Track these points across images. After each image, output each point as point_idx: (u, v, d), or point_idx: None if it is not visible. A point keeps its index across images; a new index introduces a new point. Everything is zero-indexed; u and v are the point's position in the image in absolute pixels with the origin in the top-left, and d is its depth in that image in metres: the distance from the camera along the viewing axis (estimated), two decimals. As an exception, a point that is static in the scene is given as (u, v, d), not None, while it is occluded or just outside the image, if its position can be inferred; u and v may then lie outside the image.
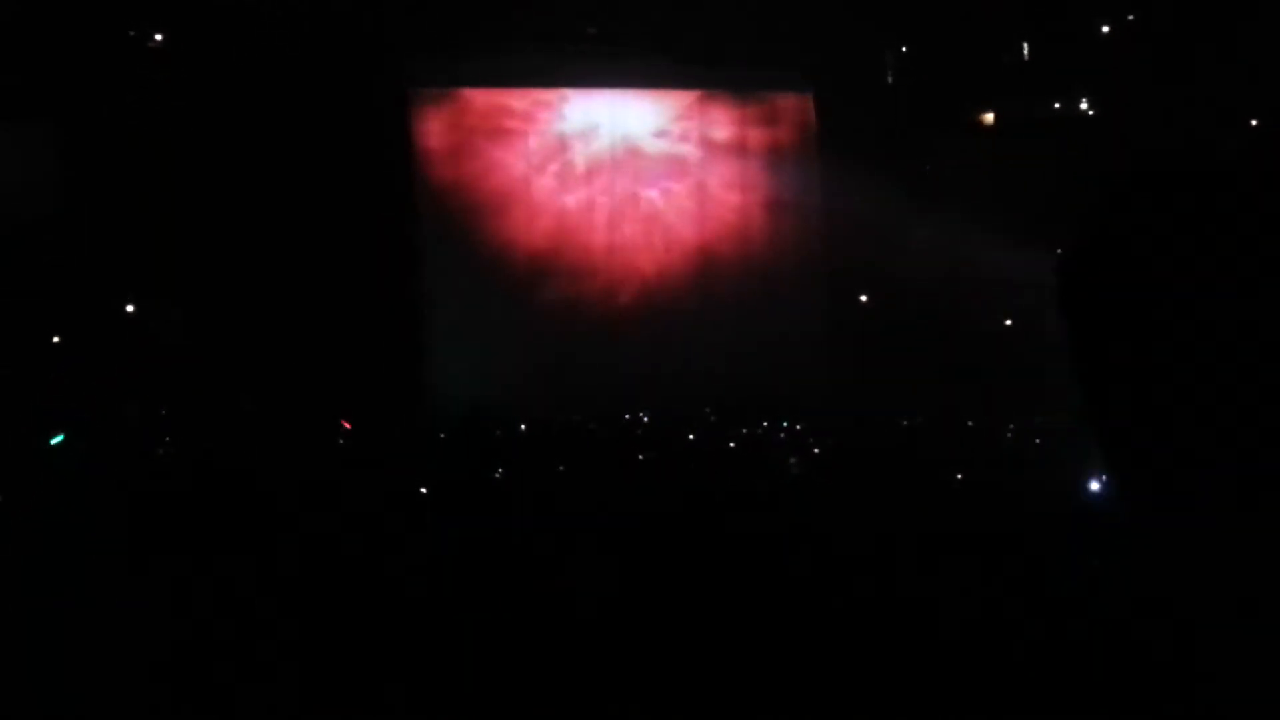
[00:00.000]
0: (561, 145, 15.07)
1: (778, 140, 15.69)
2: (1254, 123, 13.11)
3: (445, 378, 13.46)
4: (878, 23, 14.53)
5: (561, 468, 8.80)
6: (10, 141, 11.97)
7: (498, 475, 8.50)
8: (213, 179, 12.28)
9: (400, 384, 12.72)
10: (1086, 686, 1.10)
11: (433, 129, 14.55)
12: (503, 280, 14.43)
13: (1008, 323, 13.78)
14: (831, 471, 8.85)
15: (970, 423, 11.65)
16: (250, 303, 12.30)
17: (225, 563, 4.07)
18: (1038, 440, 9.96)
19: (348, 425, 11.13)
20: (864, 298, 15.26)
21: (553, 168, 15.02)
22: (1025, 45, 15.21)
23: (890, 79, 15.67)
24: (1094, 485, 6.17)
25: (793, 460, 9.53)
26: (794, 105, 15.79)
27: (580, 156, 15.10)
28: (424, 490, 7.09)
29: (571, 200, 15.05)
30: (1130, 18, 14.31)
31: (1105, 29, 14.48)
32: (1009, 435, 10.87)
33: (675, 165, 15.40)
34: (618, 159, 15.18)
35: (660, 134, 15.33)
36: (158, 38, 12.91)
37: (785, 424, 12.39)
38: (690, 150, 15.45)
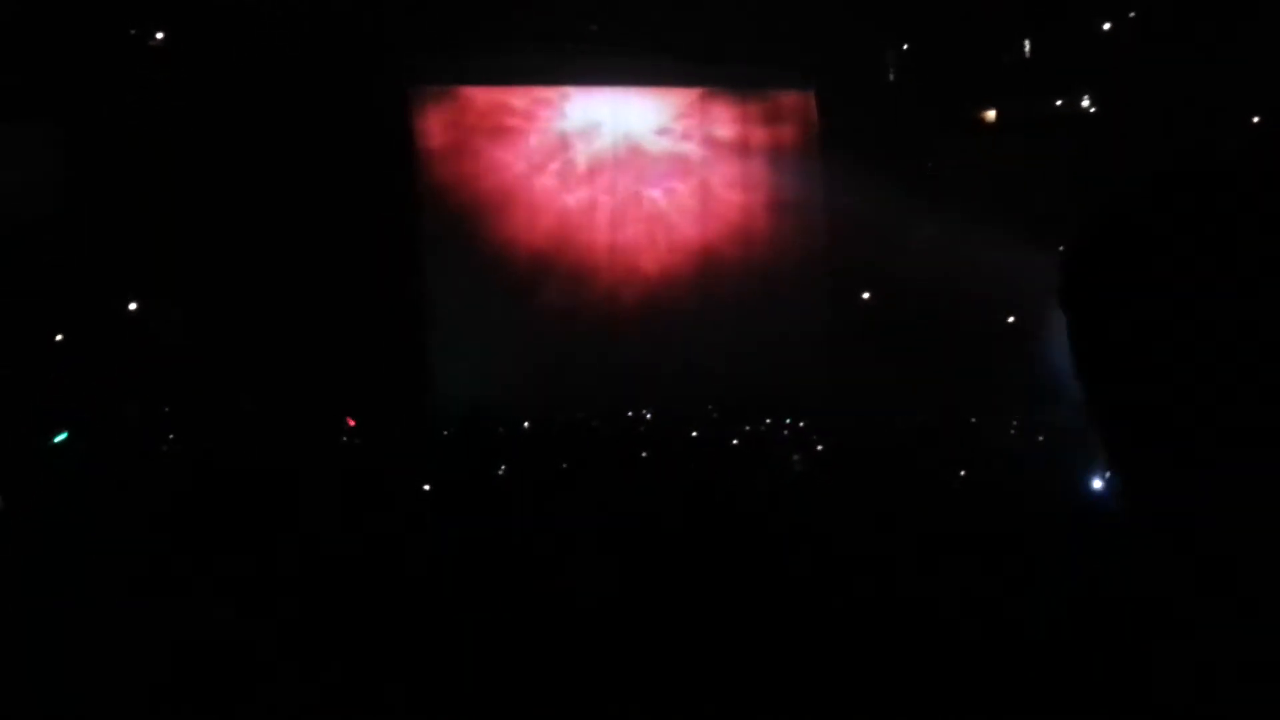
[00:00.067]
0: (563, 143, 15.06)
1: (779, 138, 15.68)
2: (1255, 120, 13.10)
3: (447, 376, 13.47)
4: (879, 20, 14.52)
5: (564, 465, 8.80)
6: (11, 141, 11.97)
7: (500, 473, 8.50)
8: (214, 178, 12.28)
9: (402, 382, 12.73)
10: (1086, 686, 1.10)
11: (434, 127, 14.55)
12: (505, 278, 14.43)
13: (1010, 320, 13.77)
14: (834, 469, 8.85)
15: (973, 420, 11.65)
16: (252, 302, 12.30)
17: (226, 562, 4.07)
18: (1040, 439, 9.96)
19: (352, 422, 11.14)
20: (866, 295, 15.25)
21: (554, 166, 15.02)
22: (1027, 43, 15.19)
23: (892, 77, 15.66)
24: (1095, 484, 6.17)
25: (795, 458, 9.52)
26: (796, 103, 15.78)
27: (581, 155, 15.09)
28: (426, 488, 7.10)
29: (573, 198, 15.05)
30: (1132, 15, 14.29)
31: (1107, 26, 14.46)
32: (1011, 433, 10.86)
33: (677, 163, 15.39)
34: (619, 157, 15.18)
35: (662, 132, 15.33)
36: (159, 36, 12.90)
37: (788, 421, 12.39)
38: (692, 148, 15.45)
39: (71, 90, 11.95)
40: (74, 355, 11.57)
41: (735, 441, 10.99)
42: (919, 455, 8.92)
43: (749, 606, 3.90)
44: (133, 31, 12.79)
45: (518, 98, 14.90)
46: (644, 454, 9.64)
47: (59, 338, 11.89)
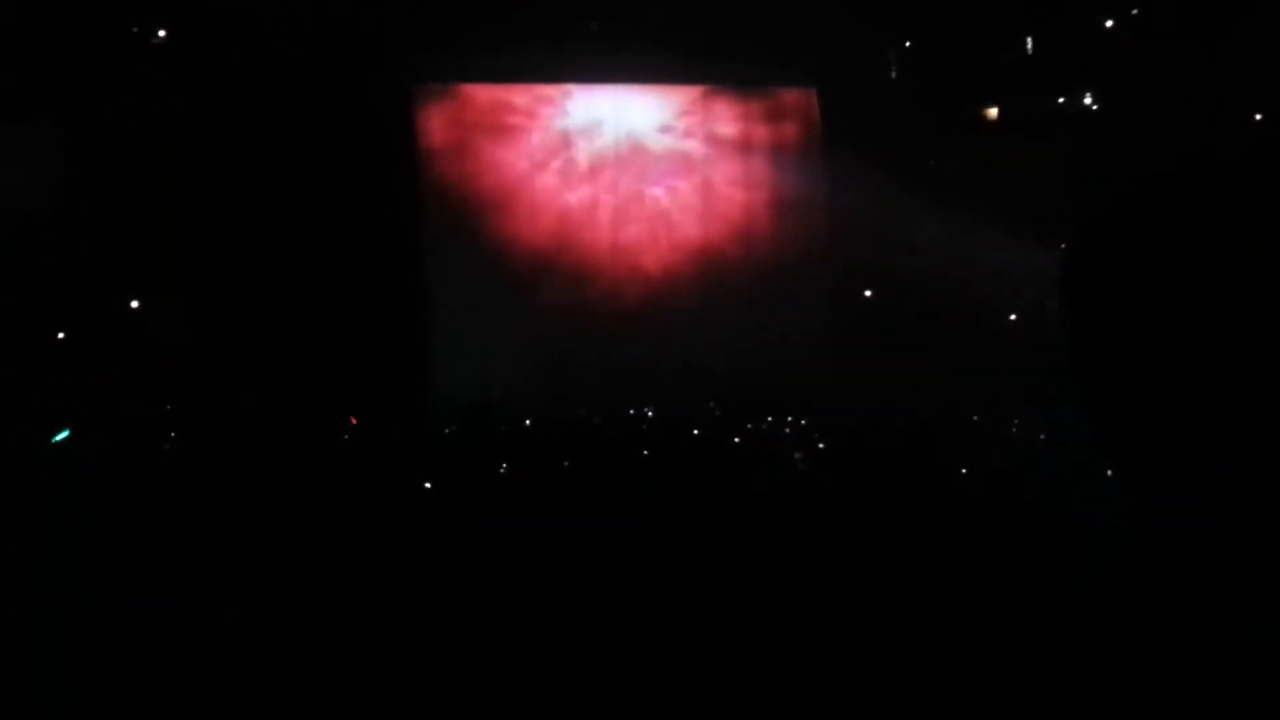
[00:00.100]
0: (565, 141, 15.07)
1: (781, 136, 15.68)
2: (1257, 118, 13.09)
3: (448, 374, 13.48)
4: (881, 18, 14.52)
5: (565, 464, 8.80)
6: (12, 140, 11.98)
7: (501, 472, 8.50)
8: (215, 177, 12.29)
9: (403, 380, 12.73)
10: (1086, 686, 1.09)
11: (436, 125, 14.56)
12: (506, 276, 14.44)
13: (1011, 319, 13.77)
14: (835, 467, 8.85)
15: (974, 419, 11.64)
16: (253, 301, 12.31)
17: (227, 561, 4.07)
18: (1041, 437, 9.96)
19: (354, 421, 11.14)
20: (868, 293, 15.24)
21: (556, 164, 15.02)
22: (1029, 41, 15.19)
23: (894, 75, 15.65)
24: (1096, 483, 6.16)
25: (797, 456, 9.52)
26: (797, 101, 15.79)
27: (583, 153, 15.10)
28: (428, 486, 7.10)
29: (575, 196, 15.05)
30: (1134, 12, 14.28)
31: (1109, 24, 14.45)
32: (1013, 432, 10.86)
33: (678, 161, 15.39)
34: (621, 155, 15.18)
35: (664, 130, 15.33)
36: (160, 34, 12.90)
37: (789, 420, 12.38)
38: (694, 146, 15.44)
39: (72, 89, 11.97)
40: (75, 354, 11.58)
41: (737, 440, 10.99)
42: (920, 453, 8.92)
43: (750, 605, 3.89)
44: (134, 30, 12.79)
45: (519, 96, 14.91)
46: (645, 452, 9.65)
47: (60, 336, 11.90)
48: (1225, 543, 0.99)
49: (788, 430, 11.88)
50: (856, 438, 10.34)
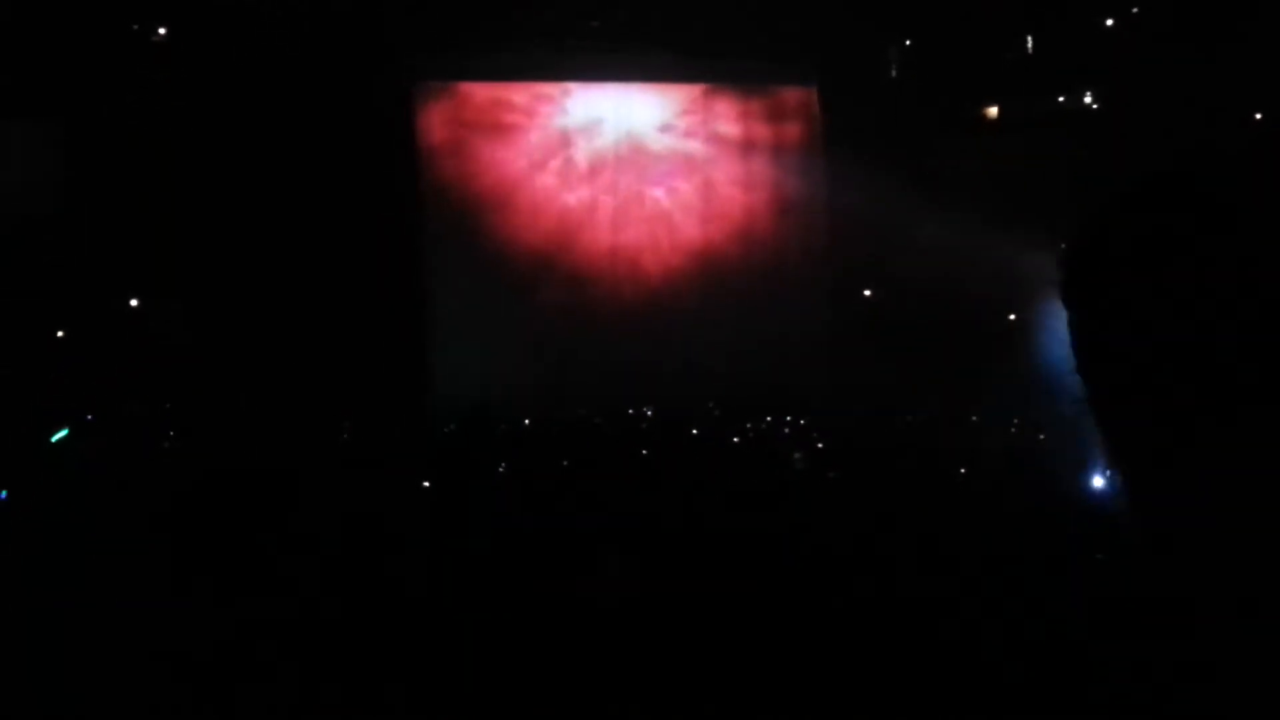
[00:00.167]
0: (565, 140, 15.06)
1: (781, 135, 15.67)
2: (1257, 117, 13.08)
3: (448, 373, 13.47)
4: (882, 17, 14.52)
5: (565, 463, 8.81)
6: (13, 139, 11.98)
7: (501, 471, 8.51)
8: (215, 176, 12.28)
9: (404, 380, 12.73)
10: (1087, 686, 1.09)
11: (436, 124, 14.56)
12: (506, 275, 14.43)
13: (1011, 318, 13.76)
14: (835, 467, 8.85)
15: (974, 418, 11.65)
16: (253, 300, 12.30)
17: (227, 561, 4.06)
18: (1041, 436, 9.96)
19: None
20: (868, 292, 15.24)
21: (557, 162, 15.02)
22: (1029, 41, 15.18)
23: (894, 74, 15.65)
24: (1097, 482, 6.16)
25: (797, 455, 9.53)
26: (798, 100, 15.78)
27: (584, 151, 15.09)
28: (427, 485, 7.10)
29: (575, 196, 15.05)
30: (1134, 11, 14.28)
31: (1109, 23, 14.45)
32: (1012, 431, 10.87)
33: (679, 160, 15.39)
34: (621, 154, 15.18)
35: (664, 129, 15.33)
36: (161, 31, 12.90)
37: (790, 419, 12.39)
38: (694, 145, 15.44)
39: (72, 88, 11.96)
40: (75, 353, 11.57)
41: (736, 440, 11.00)
42: (920, 453, 8.93)
43: (750, 605, 3.89)
44: (134, 27, 12.79)
45: (519, 94, 14.90)
46: (645, 452, 9.65)
47: (60, 335, 11.89)
48: (1226, 542, 0.99)
49: (787, 430, 11.89)
50: (856, 437, 10.35)
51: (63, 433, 9.54)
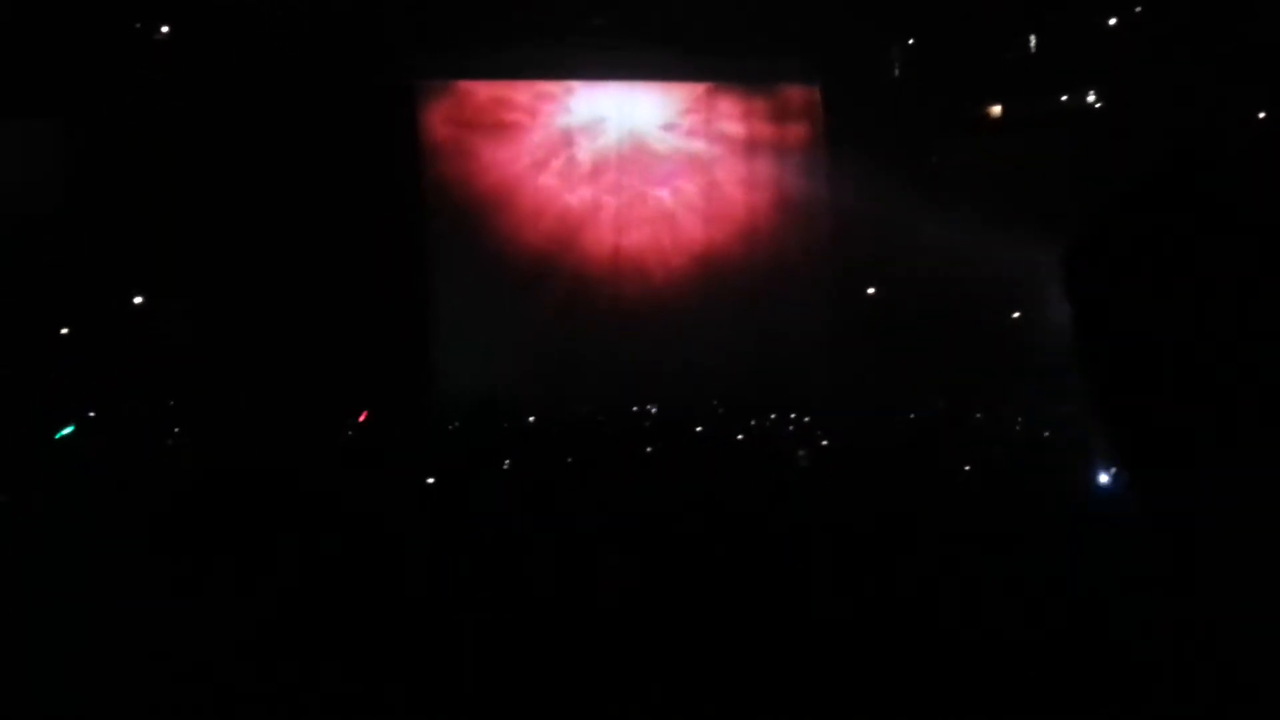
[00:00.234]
0: (567, 138, 15.05)
1: (785, 134, 15.65)
2: (1260, 116, 13.06)
3: (452, 371, 13.47)
4: (885, 16, 14.50)
5: (569, 461, 8.81)
6: (16, 138, 11.99)
7: (505, 468, 8.51)
8: (217, 174, 12.28)
9: (407, 377, 12.73)
10: (1087, 686, 1.09)
11: (438, 122, 14.55)
12: (509, 273, 14.42)
13: (1015, 316, 13.76)
14: (839, 465, 8.85)
15: (978, 416, 11.64)
16: (256, 298, 12.30)
17: (228, 560, 4.06)
18: (1046, 434, 9.96)
19: (364, 416, 11.15)
20: (871, 291, 15.23)
21: (559, 160, 15.01)
22: (1032, 40, 15.16)
23: (897, 73, 15.63)
24: (1102, 479, 6.16)
25: (800, 454, 9.52)
26: (801, 99, 15.75)
27: (586, 150, 15.08)
28: (431, 482, 7.11)
29: (578, 194, 15.04)
30: (1137, 10, 14.26)
31: (1112, 23, 14.43)
32: (1016, 429, 10.86)
33: (681, 159, 15.37)
34: (624, 153, 15.17)
35: (667, 127, 15.31)
36: (164, 30, 12.90)
37: (793, 417, 12.38)
38: (697, 143, 15.42)
39: (73, 87, 11.96)
40: (78, 352, 11.58)
41: (740, 438, 11.00)
42: (924, 451, 8.93)
43: (752, 604, 3.89)
44: (136, 26, 12.79)
45: (522, 92, 14.89)
46: (649, 450, 9.65)
47: (64, 333, 11.90)
48: (1227, 541, 0.99)
49: (791, 428, 11.88)
50: (859, 436, 10.35)
51: (67, 430, 9.55)
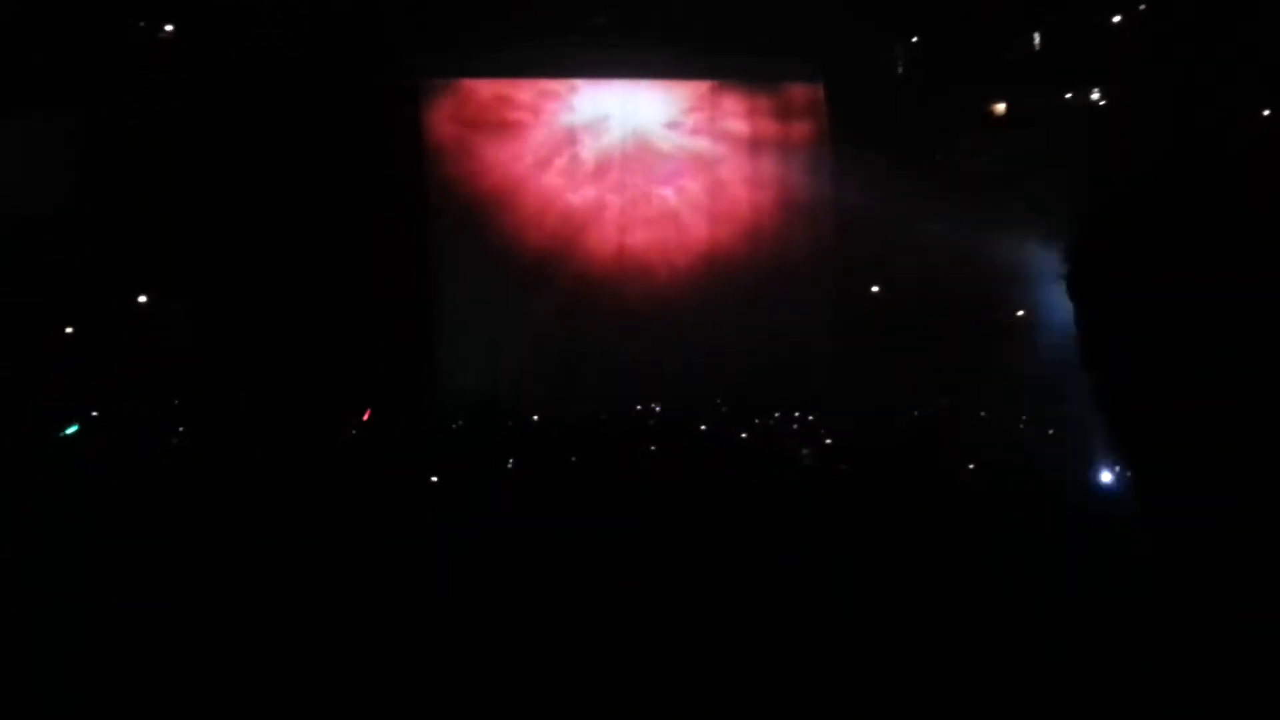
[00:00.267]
0: (571, 137, 15.05)
1: (789, 131, 15.65)
2: (1265, 113, 13.05)
3: (456, 370, 13.48)
4: (888, 13, 14.49)
5: (573, 459, 8.81)
6: (21, 137, 11.99)
7: (509, 467, 8.52)
8: (221, 174, 12.28)
9: (411, 376, 12.74)
10: (1089, 686, 1.09)
11: (442, 121, 14.56)
12: (514, 271, 14.43)
13: (1019, 314, 13.75)
14: (843, 462, 8.85)
15: (982, 414, 11.64)
16: (260, 297, 12.31)
17: (230, 558, 4.07)
18: (1050, 432, 9.96)
19: (368, 414, 11.16)
20: (875, 288, 15.22)
21: (563, 159, 15.01)
22: (1036, 37, 15.14)
23: (901, 69, 15.62)
24: (1105, 477, 6.16)
25: (804, 452, 9.53)
26: (805, 96, 15.75)
27: (590, 149, 15.08)
28: (435, 480, 7.12)
29: (581, 192, 15.04)
30: (1141, 7, 14.24)
31: (1116, 19, 14.41)
32: (1020, 427, 10.86)
33: (685, 157, 15.38)
34: (628, 151, 15.17)
35: (671, 125, 15.32)
36: (167, 29, 12.90)
37: (797, 415, 12.39)
38: (701, 142, 15.43)
39: (78, 87, 11.97)
40: (81, 352, 11.59)
41: (744, 436, 11.00)
42: (926, 450, 8.93)
43: (754, 603, 3.89)
44: (140, 25, 12.79)
45: (525, 91, 14.90)
46: (652, 448, 9.66)
47: (69, 332, 11.92)
48: (1228, 541, 0.99)
49: (794, 427, 11.89)
50: (863, 434, 10.35)
51: (72, 428, 9.56)
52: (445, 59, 14.30)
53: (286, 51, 12.56)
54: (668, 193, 15.30)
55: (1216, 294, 0.98)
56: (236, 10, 12.45)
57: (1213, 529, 1.00)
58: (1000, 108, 15.56)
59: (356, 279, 12.60)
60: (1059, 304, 1.15)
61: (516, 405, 11.74)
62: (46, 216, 11.65)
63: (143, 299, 12.66)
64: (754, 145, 15.55)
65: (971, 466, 7.92)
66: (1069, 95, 15.19)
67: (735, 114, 15.55)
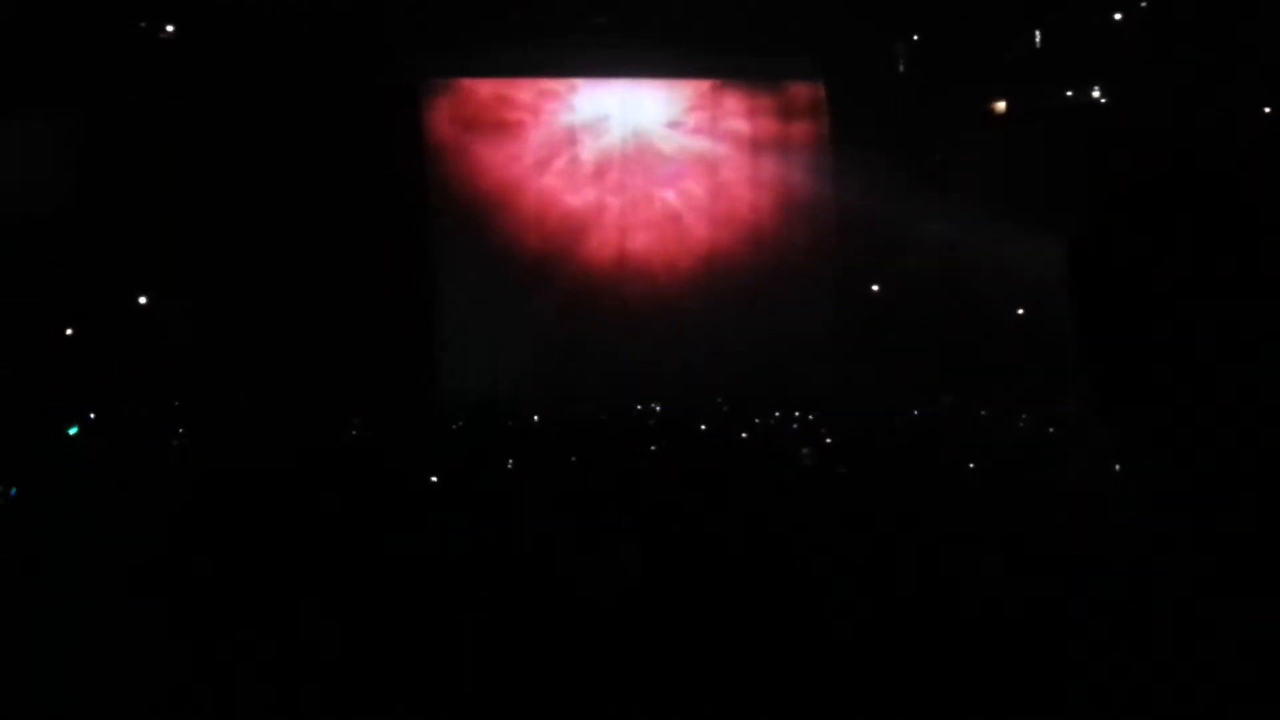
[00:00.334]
0: (571, 136, 15.04)
1: (789, 130, 15.63)
2: (1266, 111, 13.05)
3: (456, 370, 13.47)
4: (889, 12, 14.48)
5: (573, 459, 8.81)
6: (22, 138, 12.00)
7: (509, 467, 8.52)
8: (220, 174, 12.29)
9: (411, 377, 12.74)
10: (1094, 683, 1.09)
11: (442, 121, 14.55)
12: (514, 271, 14.42)
13: (1019, 313, 13.74)
14: (844, 462, 8.85)
15: (983, 414, 11.64)
16: (260, 298, 12.31)
17: (231, 560, 4.07)
18: (1050, 431, 9.95)
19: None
20: (876, 287, 15.22)
21: (563, 158, 15.00)
22: (1037, 35, 15.14)
23: (902, 68, 15.61)
24: (1107, 476, 6.15)
25: (805, 451, 9.52)
26: (806, 94, 15.73)
27: (590, 148, 15.07)
28: (435, 480, 7.11)
29: (582, 192, 15.03)
30: (1142, 5, 14.24)
31: (1117, 17, 14.40)
32: (1021, 426, 10.85)
33: (686, 156, 15.36)
34: (628, 151, 15.16)
35: (671, 125, 15.30)
36: (167, 29, 12.90)
37: (798, 415, 12.38)
38: (703, 141, 15.41)
39: (78, 87, 11.97)
40: (82, 352, 11.59)
41: (744, 436, 10.99)
42: (928, 449, 8.92)
43: (755, 603, 3.89)
44: (141, 25, 12.79)
45: (525, 91, 14.88)
46: (653, 448, 9.66)
47: (69, 333, 11.92)
48: (1228, 540, 0.99)
49: (795, 426, 11.88)
50: (864, 434, 10.34)
51: (73, 430, 9.57)
52: (445, 59, 14.29)
53: (286, 51, 12.56)
54: (668, 192, 15.29)
55: (1216, 294, 0.98)
56: (237, 11, 12.45)
57: (1213, 529, 1.00)
58: (1000, 107, 15.55)
59: (356, 279, 12.60)
60: (1059, 303, 1.15)
61: (517, 405, 11.74)
62: (47, 216, 11.65)
63: (142, 300, 12.66)
64: (755, 144, 15.54)
65: (972, 465, 7.92)
66: (1069, 94, 15.18)
67: (737, 113, 15.53)
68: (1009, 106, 15.49)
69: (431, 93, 14.54)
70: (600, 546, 4.77)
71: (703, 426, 11.40)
